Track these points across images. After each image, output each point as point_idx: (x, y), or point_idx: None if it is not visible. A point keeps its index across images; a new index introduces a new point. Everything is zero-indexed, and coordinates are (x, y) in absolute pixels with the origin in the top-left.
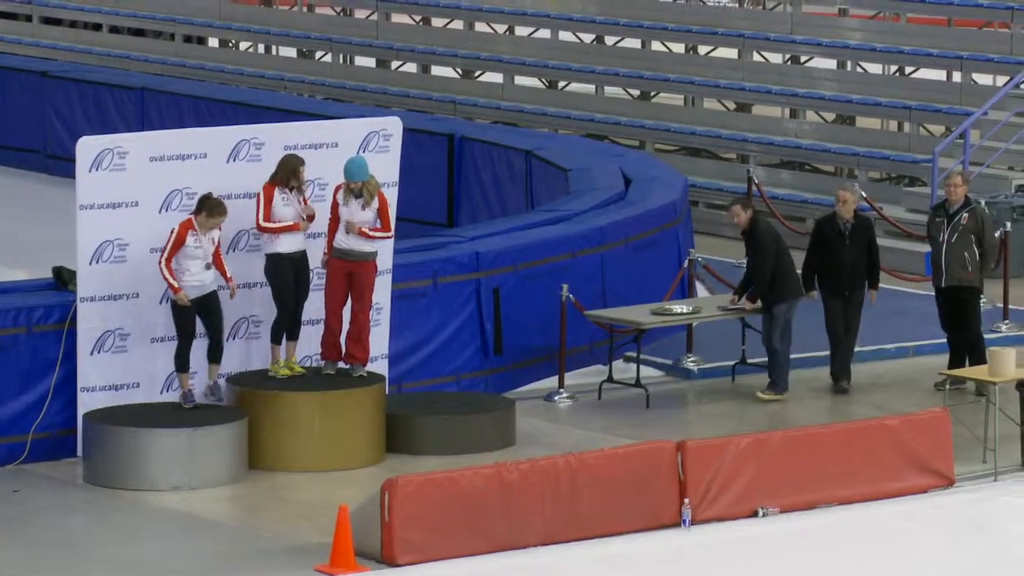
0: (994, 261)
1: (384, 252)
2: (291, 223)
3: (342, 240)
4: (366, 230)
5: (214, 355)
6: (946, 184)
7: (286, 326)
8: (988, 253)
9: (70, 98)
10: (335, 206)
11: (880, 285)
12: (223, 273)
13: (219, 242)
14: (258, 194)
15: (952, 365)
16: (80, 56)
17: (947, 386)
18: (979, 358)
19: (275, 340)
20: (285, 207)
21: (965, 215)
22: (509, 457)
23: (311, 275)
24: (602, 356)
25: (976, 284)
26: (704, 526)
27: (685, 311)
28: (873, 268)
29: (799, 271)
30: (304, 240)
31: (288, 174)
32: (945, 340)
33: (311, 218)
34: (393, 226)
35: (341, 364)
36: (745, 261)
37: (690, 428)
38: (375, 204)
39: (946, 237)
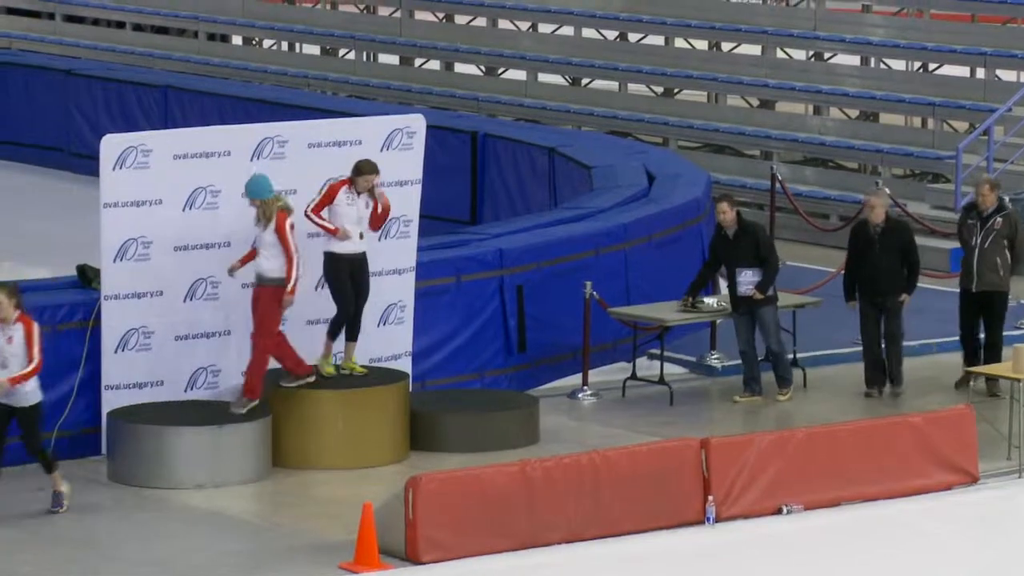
0: (1020, 265)
1: (407, 250)
2: (333, 227)
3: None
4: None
5: (46, 468)
6: (976, 192)
7: (345, 324)
8: (1021, 256)
9: (94, 96)
10: None
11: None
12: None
13: (34, 336)
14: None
15: (967, 363)
16: (103, 54)
17: (971, 383)
18: (996, 359)
19: (331, 336)
20: (348, 207)
21: (999, 220)
22: (533, 455)
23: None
24: (626, 353)
25: (1007, 289)
26: (728, 523)
27: (715, 306)
28: (909, 273)
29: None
30: (364, 242)
31: (354, 174)
32: (959, 339)
33: (380, 217)
34: (293, 248)
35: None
36: (727, 264)
37: (714, 425)
38: (272, 225)
39: (979, 241)
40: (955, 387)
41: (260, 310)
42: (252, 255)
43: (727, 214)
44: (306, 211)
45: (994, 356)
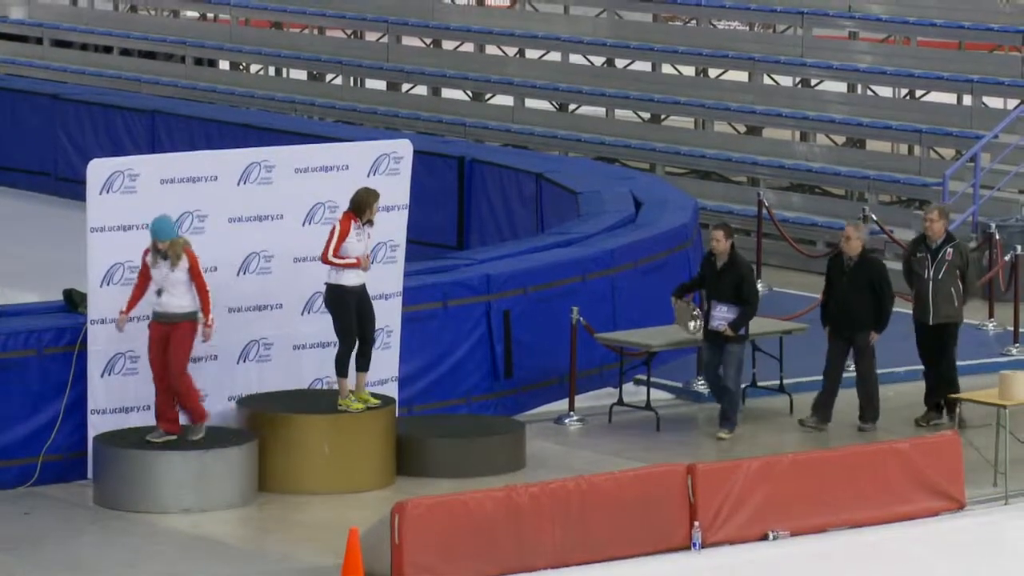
0: (972, 296)
1: (393, 275)
2: (354, 260)
3: (157, 302)
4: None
5: None
6: (924, 219)
7: (350, 358)
8: (971, 287)
9: (81, 121)
10: (145, 268)
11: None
12: None
13: None
14: (334, 225)
15: (930, 398)
16: (91, 79)
17: (958, 408)
18: (954, 391)
19: (341, 373)
20: (359, 242)
21: (949, 251)
22: (519, 480)
23: (372, 306)
24: (612, 379)
25: (961, 320)
26: (714, 549)
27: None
28: (879, 312)
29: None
30: (366, 273)
31: (360, 207)
32: (923, 374)
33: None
34: (206, 281)
35: (171, 436)
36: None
37: (700, 451)
38: (184, 264)
39: (932, 274)
40: (915, 423)
41: (179, 347)
42: (139, 297)
43: (720, 243)
44: (326, 257)
45: (952, 387)
